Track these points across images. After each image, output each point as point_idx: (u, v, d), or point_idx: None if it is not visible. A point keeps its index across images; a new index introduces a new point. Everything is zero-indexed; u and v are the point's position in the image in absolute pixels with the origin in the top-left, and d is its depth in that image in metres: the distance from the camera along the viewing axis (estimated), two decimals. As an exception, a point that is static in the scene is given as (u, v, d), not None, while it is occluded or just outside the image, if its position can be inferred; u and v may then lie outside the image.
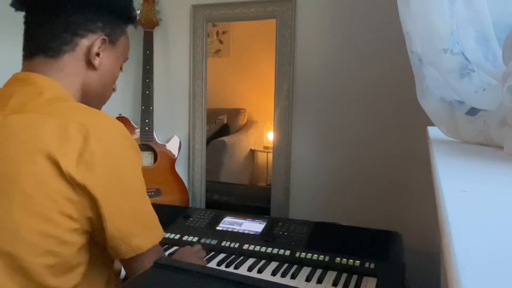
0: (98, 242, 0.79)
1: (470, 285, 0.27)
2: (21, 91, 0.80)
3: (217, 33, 2.13)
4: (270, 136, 2.26)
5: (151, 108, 1.79)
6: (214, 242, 1.39)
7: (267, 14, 1.70)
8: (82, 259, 0.78)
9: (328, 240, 1.35)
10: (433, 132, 0.95)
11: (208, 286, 0.59)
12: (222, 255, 1.33)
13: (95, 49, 0.85)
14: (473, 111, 0.79)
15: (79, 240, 0.76)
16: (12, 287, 0.72)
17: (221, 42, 2.15)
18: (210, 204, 1.90)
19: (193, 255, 1.07)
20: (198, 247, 1.13)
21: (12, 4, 0.86)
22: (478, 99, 0.76)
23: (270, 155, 1.86)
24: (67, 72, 0.84)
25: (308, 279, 1.17)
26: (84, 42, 0.85)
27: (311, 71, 1.67)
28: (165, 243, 1.41)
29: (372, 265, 1.20)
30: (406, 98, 1.49)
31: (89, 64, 0.86)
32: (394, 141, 1.58)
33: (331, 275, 1.19)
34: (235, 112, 3.39)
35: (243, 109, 3.42)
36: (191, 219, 1.55)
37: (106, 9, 0.87)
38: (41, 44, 0.83)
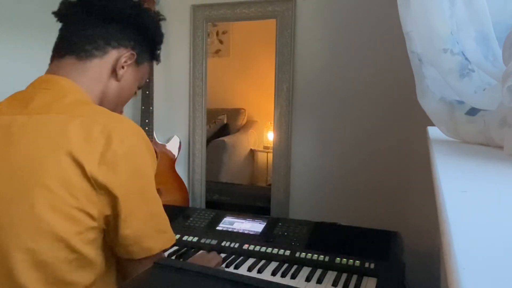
0: (107, 242, 0.81)
1: (470, 285, 0.27)
2: (44, 94, 0.83)
3: (217, 33, 2.13)
4: (270, 136, 2.26)
5: (151, 108, 1.79)
6: (214, 242, 1.39)
7: (267, 14, 1.70)
8: (99, 257, 0.79)
9: (328, 240, 1.35)
10: (433, 132, 0.95)
11: (208, 286, 0.59)
12: (222, 255, 1.33)
13: (122, 60, 0.91)
14: (473, 111, 0.79)
15: (97, 238, 0.78)
16: (31, 282, 0.73)
17: (221, 42, 2.16)
18: (210, 204, 1.90)
19: (204, 263, 1.11)
20: (213, 254, 1.19)
21: (58, 11, 0.91)
22: (478, 99, 0.76)
23: (270, 155, 1.86)
24: (91, 76, 0.89)
25: (308, 279, 1.17)
26: (114, 53, 0.91)
27: (311, 71, 1.67)
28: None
29: (372, 265, 1.20)
30: (406, 98, 1.49)
31: (113, 74, 0.91)
32: (394, 141, 1.58)
33: (331, 275, 1.19)
34: (235, 112, 3.39)
35: (243, 109, 3.41)
36: (191, 219, 1.55)
37: (142, 33, 0.95)
38: (75, 46, 0.88)
